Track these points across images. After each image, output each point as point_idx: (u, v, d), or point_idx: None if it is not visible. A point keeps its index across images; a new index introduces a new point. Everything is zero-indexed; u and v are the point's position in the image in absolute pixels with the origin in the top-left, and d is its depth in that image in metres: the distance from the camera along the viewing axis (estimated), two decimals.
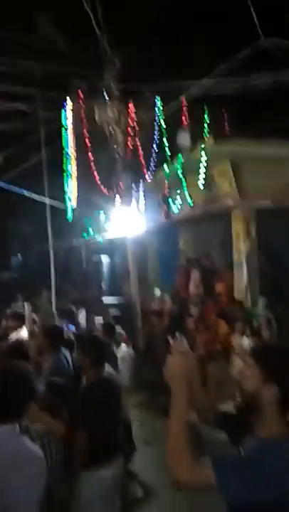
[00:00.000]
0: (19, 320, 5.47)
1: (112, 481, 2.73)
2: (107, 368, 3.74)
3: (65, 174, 14.57)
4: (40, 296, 9.37)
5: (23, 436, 1.98)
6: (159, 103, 9.79)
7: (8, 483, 1.76)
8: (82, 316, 7.77)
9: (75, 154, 11.06)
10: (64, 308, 7.61)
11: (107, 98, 9.42)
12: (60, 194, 12.66)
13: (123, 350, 5.73)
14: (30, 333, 4.71)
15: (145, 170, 10.44)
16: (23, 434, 1.98)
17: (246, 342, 7.14)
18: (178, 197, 9.33)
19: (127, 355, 5.54)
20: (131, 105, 9.56)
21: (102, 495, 2.67)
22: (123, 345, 5.77)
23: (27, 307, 5.59)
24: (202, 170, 8.21)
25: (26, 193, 10.44)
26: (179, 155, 9.15)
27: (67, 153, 10.65)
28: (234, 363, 7.43)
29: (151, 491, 4.16)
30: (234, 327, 7.69)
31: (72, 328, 6.12)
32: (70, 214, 15.00)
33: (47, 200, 9.96)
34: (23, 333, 5.18)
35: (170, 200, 9.56)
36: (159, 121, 9.83)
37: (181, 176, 8.96)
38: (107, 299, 10.36)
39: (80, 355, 3.02)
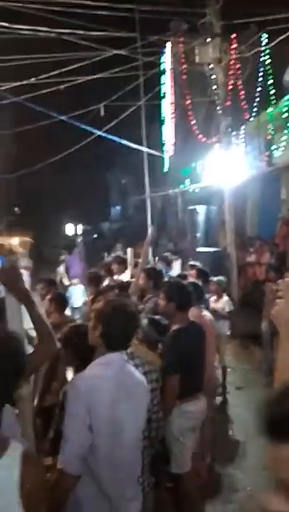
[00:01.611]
0: (122, 264, 5.74)
1: (199, 414, 2.96)
2: (203, 312, 3.76)
3: (162, 122, 14.39)
4: (139, 245, 9.60)
5: (129, 362, 2.13)
6: (264, 38, 9.02)
7: (118, 405, 1.90)
8: (177, 265, 7.82)
9: (173, 100, 10.78)
10: (161, 256, 7.73)
11: (208, 37, 8.84)
12: (158, 143, 12.57)
13: (219, 299, 5.68)
14: (133, 276, 4.89)
15: (247, 113, 9.85)
16: (128, 361, 2.12)
17: None
18: (282, 142, 8.71)
19: (223, 304, 5.50)
20: (233, 42, 8.89)
21: (190, 426, 2.90)
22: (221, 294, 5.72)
23: (129, 252, 5.79)
24: None
25: (124, 142, 10.45)
26: (285, 95, 8.46)
27: (165, 99, 10.41)
28: None
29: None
30: None
31: (170, 273, 6.20)
32: (166, 164, 14.91)
33: (144, 149, 9.91)
34: (126, 275, 5.40)
35: (273, 145, 8.97)
36: (264, 59, 9.09)
37: (286, 118, 8.31)
38: (203, 250, 10.25)
39: (164, 299, 3.03)
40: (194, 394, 2.92)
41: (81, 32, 8.75)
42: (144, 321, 2.87)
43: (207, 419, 3.28)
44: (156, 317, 2.99)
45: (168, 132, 14.55)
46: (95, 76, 9.85)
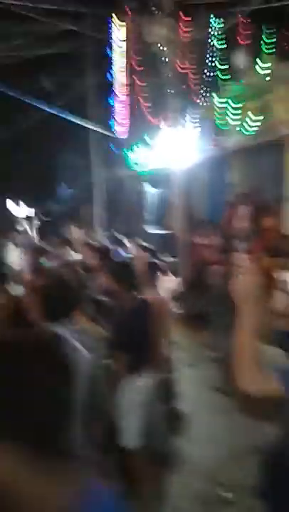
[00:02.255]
0: (68, 244, 5.67)
1: (147, 389, 3.02)
2: (154, 290, 3.78)
3: (111, 100, 14.14)
4: (87, 226, 9.49)
5: (72, 336, 2.09)
6: (213, 20, 9.02)
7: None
8: (127, 245, 7.82)
9: (124, 78, 10.59)
10: (110, 236, 7.69)
11: (157, 14, 8.73)
12: (107, 122, 12.35)
13: (167, 279, 5.74)
14: (79, 254, 4.84)
15: (195, 94, 9.88)
16: (71, 334, 2.08)
17: None
18: (230, 125, 8.83)
19: (171, 284, 5.57)
20: (184, 22, 8.83)
21: (139, 401, 2.96)
22: (170, 274, 5.78)
23: (73, 231, 5.72)
24: (259, 94, 7.65)
25: (72, 118, 10.18)
26: (234, 78, 8.55)
27: (113, 76, 10.20)
28: (276, 297, 7.35)
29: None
30: (279, 262, 7.51)
31: (120, 253, 6.19)
32: (117, 144, 14.74)
33: (93, 127, 9.72)
34: (73, 254, 5.34)
35: (221, 128, 9.08)
36: (213, 40, 9.11)
37: (235, 101, 8.41)
38: (151, 229, 10.29)
39: (110, 278, 3.02)
40: (142, 370, 2.95)
41: (30, 4, 8.36)
42: (91, 298, 2.85)
43: (156, 394, 3.34)
44: (100, 296, 2.98)
45: (119, 111, 14.35)
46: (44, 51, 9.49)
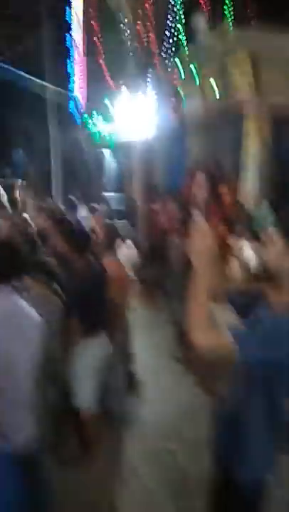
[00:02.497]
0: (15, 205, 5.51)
1: (101, 352, 3.08)
2: (113, 254, 3.77)
3: (70, 63, 13.58)
4: (43, 190, 9.25)
5: (21, 299, 2.06)
6: None
7: (8, 340, 1.84)
8: (83, 209, 7.71)
9: (81, 37, 10.17)
10: (66, 199, 7.54)
11: None
12: (65, 84, 11.89)
13: (126, 246, 5.73)
14: (33, 216, 4.72)
15: (156, 58, 9.67)
16: (22, 297, 2.05)
17: (246, 245, 7.14)
18: (190, 90, 8.74)
19: (130, 251, 5.57)
20: None
21: (93, 363, 3.01)
22: (127, 241, 5.77)
23: (19, 191, 5.52)
24: (218, 59, 7.57)
25: (24, 74, 9.69)
26: (194, 41, 8.40)
27: (71, 35, 9.77)
28: (231, 265, 7.55)
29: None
30: (235, 230, 7.68)
31: (75, 216, 6.11)
32: (73, 106, 14.27)
33: (47, 84, 9.31)
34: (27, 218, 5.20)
35: (181, 93, 8.97)
36: (174, 4, 8.86)
37: (194, 65, 8.30)
38: (109, 196, 10.16)
39: (63, 241, 2.98)
40: (96, 333, 2.97)
41: None
42: (43, 262, 2.80)
43: (112, 357, 3.41)
44: (53, 260, 2.94)
45: (77, 75, 13.81)
46: None
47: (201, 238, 1.64)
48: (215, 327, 1.53)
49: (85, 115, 12.61)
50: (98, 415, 3.48)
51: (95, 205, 6.14)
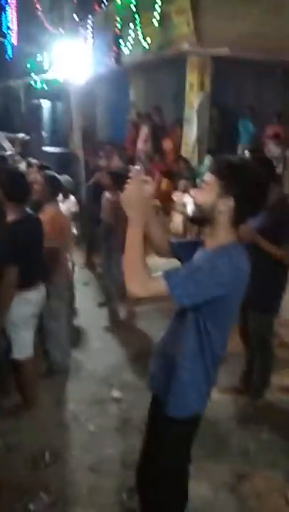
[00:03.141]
0: None
1: (38, 302, 3.06)
2: (56, 206, 3.65)
3: (3, 4, 12.56)
4: None
5: None
6: None
7: None
8: (22, 165, 7.36)
9: None
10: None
11: None
12: None
13: (66, 200, 5.58)
14: None
15: (95, 2, 9.14)
16: None
17: (188, 199, 7.21)
18: (130, 37, 8.40)
19: (70, 205, 5.44)
20: None
21: (30, 313, 2.99)
22: (71, 197, 5.62)
23: None
24: (158, 5, 7.28)
25: None
26: None
27: None
28: (174, 219, 7.64)
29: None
30: (177, 184, 7.72)
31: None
32: (9, 50, 13.34)
33: None
34: None
35: (121, 40, 8.61)
36: None
37: (134, 10, 7.94)
38: (49, 149, 9.76)
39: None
40: (34, 283, 2.94)
41: None
42: None
43: (54, 308, 3.43)
44: None
45: (11, 16, 12.82)
46: None
47: (131, 185, 1.62)
48: (150, 274, 1.54)
49: (21, 62, 11.85)
50: (40, 365, 3.51)
51: (33, 160, 5.86)
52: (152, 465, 1.93)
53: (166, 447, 1.86)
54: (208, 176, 1.66)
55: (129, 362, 3.96)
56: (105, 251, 4.86)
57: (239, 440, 2.96)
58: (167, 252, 1.89)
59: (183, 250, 1.85)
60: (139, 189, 1.60)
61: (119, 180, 4.03)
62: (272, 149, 7.71)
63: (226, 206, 1.61)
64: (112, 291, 4.79)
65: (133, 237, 1.57)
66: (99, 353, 4.10)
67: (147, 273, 1.54)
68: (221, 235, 1.66)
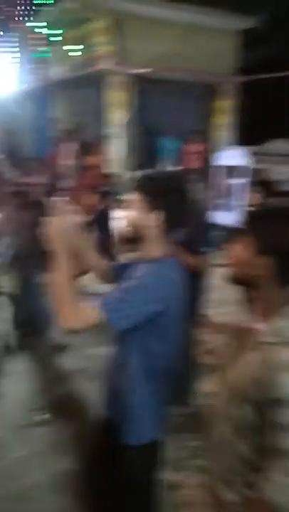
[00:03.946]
0: None
1: None
2: None
3: None
4: None
5: None
6: None
7: None
8: None
9: None
10: None
11: None
12: None
13: None
14: None
15: (18, 17, 9.02)
16: None
17: (118, 216, 7.25)
18: (53, 54, 8.39)
19: None
20: None
21: None
22: None
23: None
24: (77, 23, 7.36)
25: None
26: (51, 3, 8.01)
27: None
28: None
29: None
30: (104, 201, 7.73)
31: None
32: None
33: None
34: None
35: (45, 57, 8.56)
36: None
37: (57, 28, 7.96)
38: None
39: None
40: None
41: None
42: None
43: None
44: None
45: None
46: None
47: (56, 217, 1.57)
48: (81, 305, 1.49)
49: None
50: None
51: None
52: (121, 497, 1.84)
53: (128, 476, 1.79)
54: (132, 195, 1.66)
55: (52, 384, 3.83)
56: (23, 272, 4.64)
57: (170, 450, 2.96)
58: (110, 277, 1.84)
59: (123, 272, 1.78)
60: (64, 222, 1.57)
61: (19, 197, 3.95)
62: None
63: (154, 221, 1.61)
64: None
65: (60, 272, 1.51)
66: (21, 376, 3.92)
67: (79, 305, 1.49)
68: (152, 250, 1.66)
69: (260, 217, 1.23)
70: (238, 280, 1.28)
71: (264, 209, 1.26)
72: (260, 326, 1.23)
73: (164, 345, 1.65)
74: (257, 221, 1.23)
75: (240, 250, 1.25)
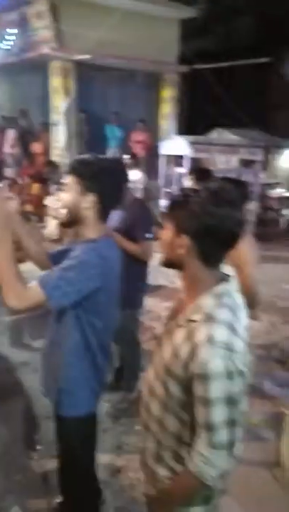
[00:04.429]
0: None
1: None
2: None
3: None
4: None
5: None
6: None
7: None
8: None
9: None
10: None
11: None
12: None
13: None
14: None
15: None
16: None
17: (59, 204, 7.18)
18: None
19: None
20: None
21: None
22: None
23: None
24: (14, 6, 7.13)
25: None
26: None
27: None
28: (48, 224, 7.52)
29: None
30: (49, 189, 7.62)
31: None
32: None
33: None
34: None
35: None
36: None
37: None
38: None
39: None
40: None
41: None
42: None
43: None
44: None
45: None
46: None
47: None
48: (25, 285, 1.52)
49: None
50: None
51: None
52: (62, 468, 1.93)
53: (67, 448, 1.86)
54: (66, 178, 1.70)
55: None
56: None
57: (113, 435, 3.00)
58: (48, 264, 1.82)
59: (62, 259, 1.76)
60: (2, 207, 1.58)
61: None
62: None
63: (88, 203, 1.65)
64: None
65: (1, 252, 1.53)
66: None
67: (22, 284, 1.52)
68: (89, 232, 1.70)
69: (178, 202, 1.30)
70: (167, 263, 1.33)
71: (182, 194, 1.31)
72: (187, 304, 1.30)
73: (101, 321, 1.71)
74: (175, 205, 1.30)
75: (165, 234, 1.31)
